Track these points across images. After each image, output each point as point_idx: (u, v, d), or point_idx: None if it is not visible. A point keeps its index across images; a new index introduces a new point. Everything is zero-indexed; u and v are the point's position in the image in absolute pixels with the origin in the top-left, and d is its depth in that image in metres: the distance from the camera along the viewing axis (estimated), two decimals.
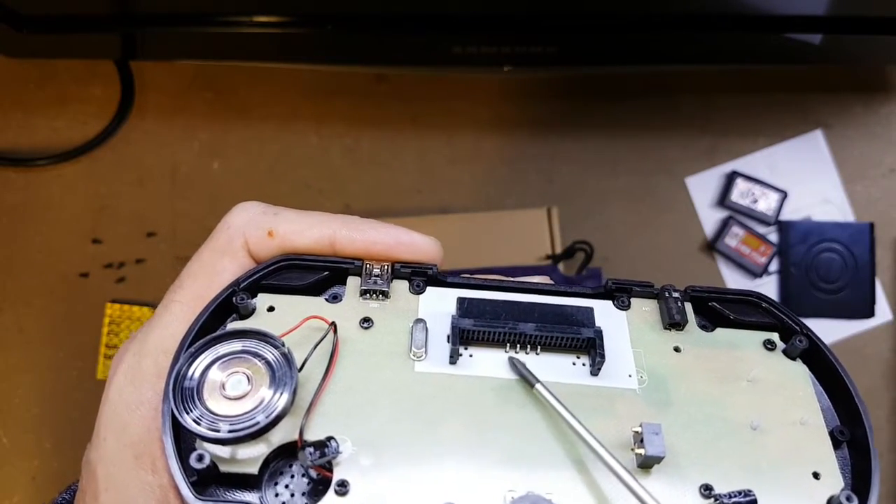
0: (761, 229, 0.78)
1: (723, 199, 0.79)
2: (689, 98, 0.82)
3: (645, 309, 0.33)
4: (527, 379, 0.30)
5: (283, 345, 0.28)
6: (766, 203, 0.79)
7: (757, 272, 0.77)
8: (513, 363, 0.31)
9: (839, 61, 0.77)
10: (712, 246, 0.79)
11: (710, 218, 0.80)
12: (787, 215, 0.79)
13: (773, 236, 0.78)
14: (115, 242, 0.79)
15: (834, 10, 0.63)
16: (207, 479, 0.28)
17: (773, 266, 0.78)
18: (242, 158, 0.81)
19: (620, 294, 0.34)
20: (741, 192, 0.79)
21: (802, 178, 0.80)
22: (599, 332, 0.31)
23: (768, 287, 0.78)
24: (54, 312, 0.77)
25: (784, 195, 0.79)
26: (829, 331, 0.77)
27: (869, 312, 0.77)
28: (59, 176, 0.80)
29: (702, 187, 0.80)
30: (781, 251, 0.78)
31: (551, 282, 0.35)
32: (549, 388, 0.29)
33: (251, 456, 0.28)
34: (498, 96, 0.83)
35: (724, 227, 0.78)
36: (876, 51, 0.70)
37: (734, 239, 0.78)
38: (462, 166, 0.81)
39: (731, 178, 0.79)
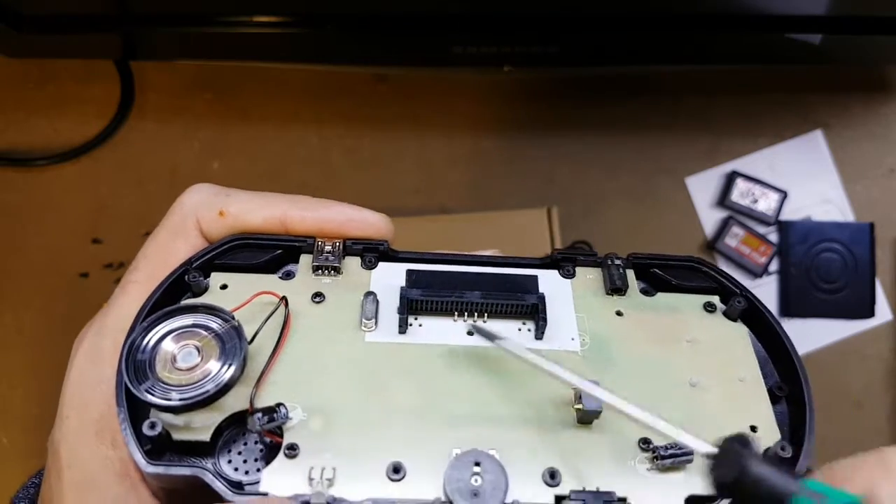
0: (761, 229, 0.78)
1: (723, 199, 0.79)
2: (689, 98, 0.82)
3: (589, 277, 0.35)
4: (489, 335, 0.31)
5: (233, 318, 0.30)
6: (766, 203, 0.79)
7: (757, 272, 0.77)
8: (473, 328, 0.32)
9: (839, 61, 0.77)
10: (712, 246, 0.78)
11: (710, 218, 0.80)
12: (787, 215, 0.79)
13: (773, 236, 0.78)
14: (115, 242, 0.79)
15: (834, 10, 0.63)
16: (162, 448, 0.29)
17: (773, 266, 0.78)
18: (242, 158, 0.81)
19: (566, 263, 0.35)
20: (741, 192, 0.79)
21: (802, 178, 0.80)
22: (542, 298, 0.32)
23: (768, 287, 0.78)
24: (54, 312, 0.77)
25: (784, 195, 0.78)
26: (829, 331, 0.77)
27: (869, 312, 0.77)
28: (59, 176, 0.80)
29: (702, 187, 0.80)
30: (781, 251, 0.78)
31: (501, 254, 0.36)
32: (504, 346, 0.30)
33: (203, 424, 0.28)
34: (498, 96, 0.83)
35: (724, 227, 0.78)
36: (876, 51, 0.70)
37: (734, 239, 0.78)
38: (462, 166, 0.81)
39: (731, 178, 0.79)
